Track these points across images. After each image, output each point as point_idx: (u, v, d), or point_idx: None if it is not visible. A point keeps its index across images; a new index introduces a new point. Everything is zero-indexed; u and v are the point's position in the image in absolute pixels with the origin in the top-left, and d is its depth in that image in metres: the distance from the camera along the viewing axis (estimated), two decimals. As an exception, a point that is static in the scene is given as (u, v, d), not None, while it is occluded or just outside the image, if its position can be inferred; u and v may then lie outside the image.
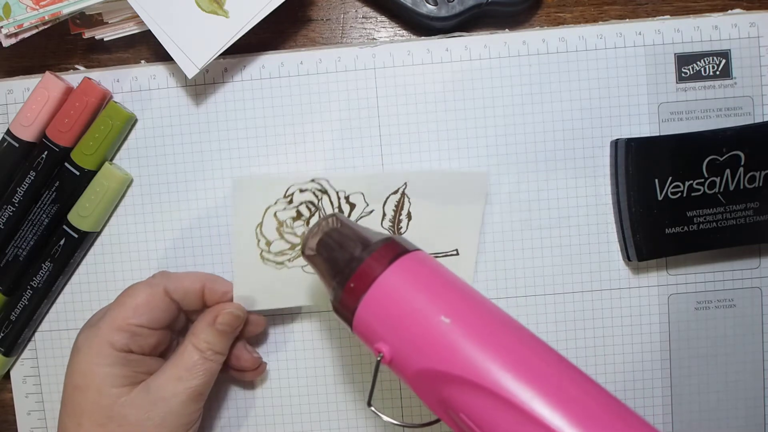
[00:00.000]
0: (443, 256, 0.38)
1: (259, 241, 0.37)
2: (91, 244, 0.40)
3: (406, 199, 0.38)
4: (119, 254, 0.40)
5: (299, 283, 0.38)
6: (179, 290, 0.35)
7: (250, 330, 0.38)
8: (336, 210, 0.37)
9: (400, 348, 0.26)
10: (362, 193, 0.38)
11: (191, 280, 0.36)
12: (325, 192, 0.37)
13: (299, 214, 0.37)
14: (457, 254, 0.39)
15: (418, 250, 0.29)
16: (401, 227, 0.38)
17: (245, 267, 0.37)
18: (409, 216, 0.38)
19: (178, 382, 0.33)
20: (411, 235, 0.38)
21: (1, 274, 0.39)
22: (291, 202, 0.37)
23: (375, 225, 0.38)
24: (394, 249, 0.28)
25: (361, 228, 0.30)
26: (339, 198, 0.38)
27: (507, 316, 0.27)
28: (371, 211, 0.38)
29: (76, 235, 0.38)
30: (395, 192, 0.38)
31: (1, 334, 0.39)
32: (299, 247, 0.37)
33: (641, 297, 0.39)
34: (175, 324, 0.37)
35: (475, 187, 0.38)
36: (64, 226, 0.38)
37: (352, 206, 0.38)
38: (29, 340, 0.40)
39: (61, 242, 0.38)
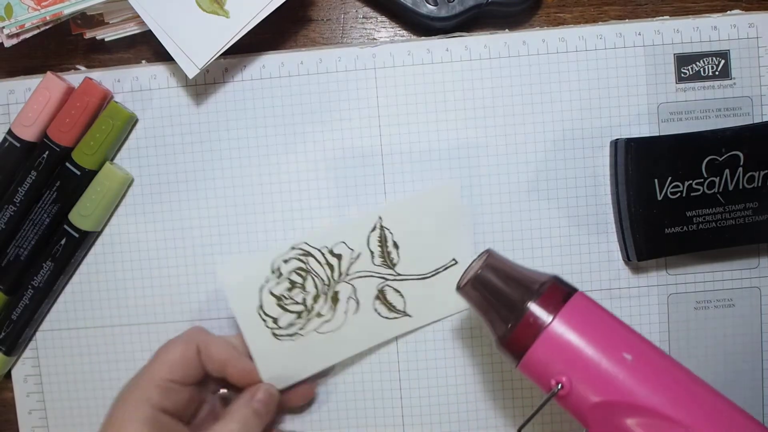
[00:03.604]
0: (444, 269, 0.39)
1: (265, 321, 0.38)
2: (92, 244, 0.40)
3: (386, 232, 0.38)
4: (120, 254, 0.40)
5: (320, 346, 0.38)
6: (205, 352, 0.36)
7: (296, 401, 0.38)
8: (324, 266, 0.38)
9: (579, 382, 0.28)
10: (344, 242, 0.38)
11: (218, 349, 0.36)
12: (308, 254, 0.38)
13: (293, 283, 0.38)
14: (456, 263, 0.39)
15: (578, 289, 0.31)
16: (392, 258, 0.38)
17: (262, 350, 0.37)
18: (395, 246, 0.38)
19: None
20: (406, 261, 0.38)
21: (2, 273, 0.39)
22: (280, 275, 0.38)
23: (368, 265, 0.38)
24: (561, 290, 0.30)
25: (516, 265, 0.32)
26: (324, 254, 0.38)
27: (663, 351, 0.30)
28: (359, 255, 0.38)
29: (76, 235, 0.38)
30: (373, 229, 0.38)
31: (3, 334, 0.39)
32: (305, 313, 0.38)
33: (641, 297, 0.39)
34: (206, 387, 0.37)
35: (448, 199, 0.38)
36: (65, 226, 0.39)
37: (339, 257, 0.38)
38: (30, 340, 0.40)
39: (62, 242, 0.38)
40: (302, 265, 0.38)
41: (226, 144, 0.39)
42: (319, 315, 0.38)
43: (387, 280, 0.38)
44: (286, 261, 0.38)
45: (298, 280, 0.38)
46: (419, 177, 0.39)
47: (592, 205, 0.39)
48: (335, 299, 0.38)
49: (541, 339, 0.29)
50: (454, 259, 0.39)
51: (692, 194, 0.37)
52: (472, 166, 0.39)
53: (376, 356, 0.40)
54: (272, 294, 0.38)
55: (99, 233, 0.40)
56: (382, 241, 0.38)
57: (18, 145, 0.38)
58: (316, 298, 0.38)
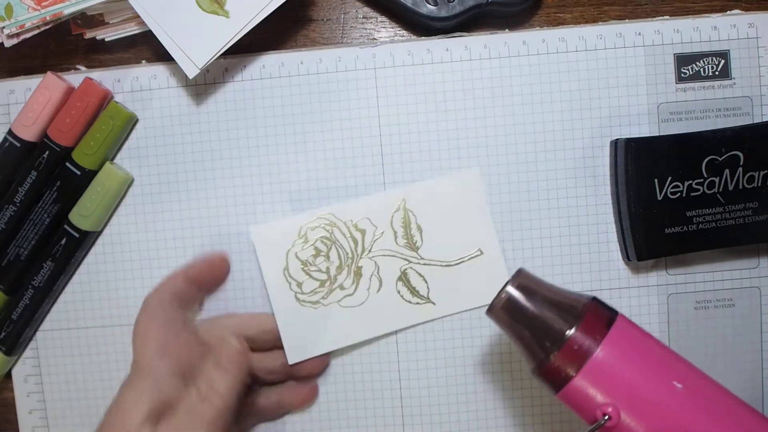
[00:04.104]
0: (469, 258, 0.39)
1: (290, 284, 0.38)
2: (92, 244, 0.40)
3: (410, 214, 0.38)
4: (120, 254, 0.40)
5: (341, 321, 0.39)
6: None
7: (311, 368, 0.39)
8: (348, 238, 0.38)
9: (627, 413, 0.27)
10: (368, 218, 0.38)
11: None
12: (333, 224, 0.38)
13: (318, 251, 0.38)
14: (481, 254, 0.39)
15: (618, 312, 0.30)
16: (416, 240, 0.38)
17: (285, 312, 0.38)
18: (419, 229, 0.38)
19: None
20: (429, 245, 0.39)
21: (2, 273, 0.39)
22: (306, 240, 0.38)
23: (391, 245, 0.39)
24: (603, 314, 0.29)
25: (552, 286, 0.30)
26: (348, 227, 0.38)
27: (709, 377, 0.29)
28: (382, 233, 0.38)
29: (77, 235, 0.38)
30: (397, 209, 0.38)
31: (3, 334, 0.39)
32: (328, 283, 0.38)
33: (641, 296, 0.39)
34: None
35: (471, 186, 0.38)
36: (65, 226, 0.39)
37: (362, 232, 0.38)
38: (30, 340, 0.40)
39: (62, 242, 0.39)
40: (327, 234, 0.38)
41: (226, 144, 0.39)
42: (341, 287, 0.38)
43: (410, 262, 0.39)
44: (313, 228, 0.38)
45: (323, 247, 0.38)
46: (419, 177, 0.39)
47: (592, 205, 0.39)
48: (358, 274, 0.38)
49: (586, 368, 0.27)
50: (479, 250, 0.39)
51: (692, 194, 0.37)
52: (471, 165, 0.39)
53: (377, 356, 0.40)
54: (297, 257, 0.38)
55: (99, 233, 0.40)
56: (406, 222, 0.38)
57: (18, 145, 0.38)
58: (339, 269, 0.38)
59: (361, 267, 0.38)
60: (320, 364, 0.39)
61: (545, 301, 0.29)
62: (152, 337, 0.34)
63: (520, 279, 0.30)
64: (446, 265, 0.39)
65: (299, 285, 0.38)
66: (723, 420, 0.27)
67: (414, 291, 0.39)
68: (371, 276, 0.39)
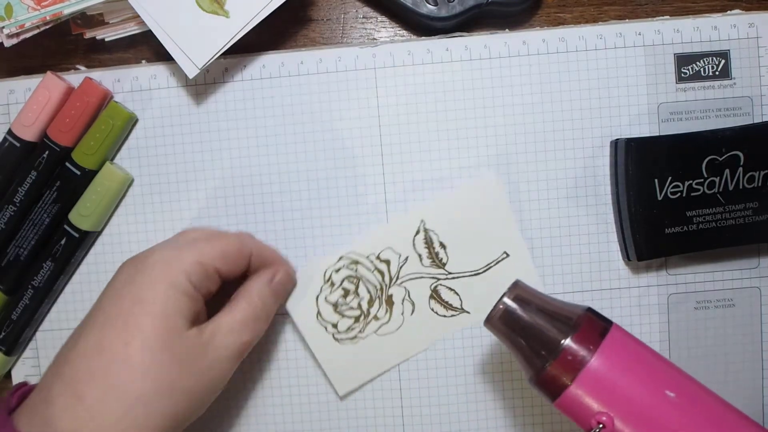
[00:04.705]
0: (495, 263, 0.39)
1: (325, 327, 0.39)
2: (92, 244, 0.40)
3: (431, 234, 0.38)
4: (120, 254, 0.40)
5: (381, 347, 0.39)
6: (258, 260, 0.35)
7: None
8: (374, 272, 0.38)
9: (621, 421, 0.28)
10: (390, 248, 0.39)
11: (272, 255, 0.36)
12: (356, 262, 0.39)
13: (346, 291, 0.39)
14: (508, 256, 0.39)
15: (612, 322, 0.30)
16: (441, 258, 0.39)
17: (326, 354, 0.39)
18: (442, 246, 0.39)
19: (231, 333, 0.32)
20: (455, 259, 0.39)
21: (2, 273, 0.39)
22: (333, 284, 0.38)
23: (417, 268, 0.39)
24: (598, 324, 0.30)
25: (548, 297, 0.31)
26: (372, 261, 0.39)
27: (704, 386, 0.29)
28: (407, 258, 0.39)
29: (77, 235, 0.38)
30: (417, 232, 0.39)
31: (3, 334, 0.39)
32: (363, 317, 0.39)
33: (641, 297, 0.39)
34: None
35: (490, 192, 0.39)
36: (65, 226, 0.39)
37: (387, 262, 0.39)
38: (30, 340, 0.40)
39: (62, 242, 0.38)
40: (352, 273, 0.39)
41: (226, 144, 0.39)
42: (376, 318, 0.39)
43: (439, 279, 0.39)
44: (337, 270, 0.39)
45: (350, 286, 0.39)
46: (419, 177, 0.39)
47: (592, 205, 0.39)
48: (390, 302, 0.39)
49: (581, 377, 0.28)
50: (505, 252, 0.39)
51: (692, 194, 0.37)
52: (471, 166, 0.39)
53: (376, 356, 0.40)
54: (327, 301, 0.38)
55: (99, 233, 0.40)
56: (428, 243, 0.38)
57: (18, 145, 0.38)
58: (371, 303, 0.39)
59: (392, 295, 0.39)
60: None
61: (541, 311, 0.30)
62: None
63: (517, 291, 0.31)
64: (475, 274, 0.39)
65: (335, 326, 0.39)
66: (714, 426, 0.27)
67: (447, 305, 0.39)
68: (403, 301, 0.39)
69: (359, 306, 0.39)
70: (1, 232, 0.38)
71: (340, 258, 0.39)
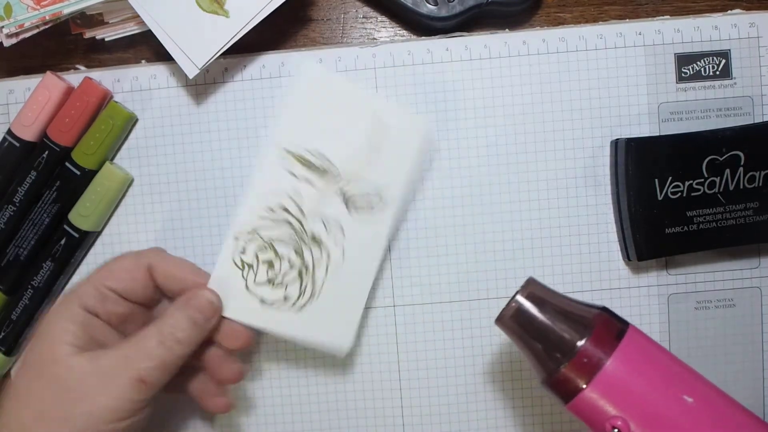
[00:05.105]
0: (374, 132, 0.36)
1: (278, 307, 0.35)
2: (92, 244, 0.40)
3: (299, 152, 0.36)
4: (120, 254, 0.40)
5: (343, 284, 0.36)
6: (160, 271, 0.33)
7: (230, 341, 0.34)
8: (279, 224, 0.35)
9: (637, 426, 0.27)
10: (275, 194, 0.36)
11: (176, 266, 0.34)
12: (254, 231, 0.35)
13: (268, 262, 0.35)
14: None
15: (629, 323, 0.29)
16: (324, 165, 0.36)
17: (300, 328, 0.36)
18: (317, 154, 0.36)
19: (125, 360, 0.30)
20: (339, 154, 0.36)
21: (2, 273, 0.39)
22: (249, 265, 0.35)
23: (312, 192, 0.36)
24: (614, 325, 0.29)
25: (561, 296, 0.30)
26: (269, 218, 0.35)
27: (723, 391, 0.29)
28: (299, 191, 0.35)
29: (76, 235, 0.38)
30: (284, 160, 0.36)
31: (2, 334, 0.39)
32: (303, 270, 0.36)
33: (641, 297, 0.39)
34: (154, 307, 0.35)
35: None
36: (65, 226, 0.39)
37: (285, 209, 0.36)
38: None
39: (62, 242, 0.38)
40: (258, 242, 0.35)
41: (226, 144, 0.39)
42: (317, 264, 0.36)
43: (341, 185, 0.36)
44: (243, 252, 0.35)
45: (269, 255, 0.36)
46: (419, 177, 0.39)
47: (592, 205, 0.39)
48: (316, 240, 0.36)
49: (596, 380, 0.27)
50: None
51: (693, 194, 0.37)
52: (471, 165, 0.39)
53: (377, 356, 0.40)
54: (258, 284, 0.35)
55: (99, 233, 0.40)
56: (303, 161, 0.35)
57: (18, 145, 0.38)
58: (300, 253, 0.36)
59: (314, 232, 0.36)
60: (241, 337, 0.35)
61: (555, 311, 0.29)
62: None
63: (530, 288, 0.30)
64: (364, 159, 0.36)
65: (285, 299, 0.36)
66: (730, 421, 0.27)
67: (367, 204, 0.36)
68: (327, 229, 0.36)
69: (291, 263, 0.36)
70: (0, 232, 0.38)
71: (236, 238, 0.35)
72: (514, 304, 0.30)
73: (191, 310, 0.32)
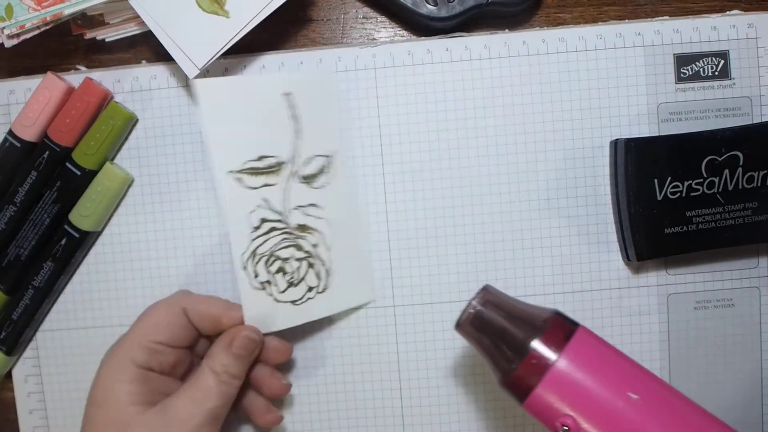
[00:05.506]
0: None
1: (306, 299, 0.38)
2: (92, 244, 0.40)
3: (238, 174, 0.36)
4: (120, 254, 0.40)
5: (349, 246, 0.38)
6: (195, 312, 0.35)
7: (274, 357, 0.37)
8: (273, 234, 0.37)
9: (585, 423, 0.28)
10: (250, 211, 0.36)
11: (208, 305, 0.36)
12: (254, 252, 0.36)
13: (280, 269, 0.37)
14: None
15: (580, 324, 0.30)
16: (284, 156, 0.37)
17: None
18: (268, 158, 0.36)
19: (194, 403, 0.33)
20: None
21: (2, 273, 0.39)
22: (261, 275, 0.37)
23: (279, 195, 0.37)
24: (564, 326, 0.30)
25: (516, 300, 0.32)
26: (259, 233, 0.36)
27: (672, 387, 0.29)
28: (266, 200, 0.36)
29: (77, 235, 0.38)
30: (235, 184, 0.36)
31: (3, 334, 0.39)
32: (308, 256, 0.38)
33: (640, 297, 0.39)
34: (196, 345, 0.37)
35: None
36: (66, 226, 0.39)
37: (263, 220, 0.37)
38: (31, 340, 0.40)
39: (63, 242, 0.39)
40: (262, 260, 0.37)
41: (227, 144, 0.39)
42: (314, 245, 0.38)
43: (296, 169, 0.37)
44: (256, 276, 0.37)
45: (276, 265, 0.37)
46: (419, 177, 0.39)
47: (592, 205, 0.39)
48: (302, 227, 0.38)
49: (546, 378, 0.28)
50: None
51: (692, 194, 0.37)
52: (471, 165, 0.39)
53: (377, 356, 0.40)
54: (282, 292, 0.37)
55: (99, 233, 0.40)
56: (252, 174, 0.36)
57: (18, 145, 0.38)
58: (298, 246, 0.37)
59: (299, 224, 0.37)
60: (285, 351, 0.37)
61: (509, 314, 0.31)
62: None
63: (486, 295, 0.32)
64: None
65: (310, 289, 0.38)
66: (679, 429, 0.27)
67: (317, 173, 0.38)
68: (308, 208, 0.38)
69: (297, 258, 0.38)
70: (1, 232, 0.38)
71: (244, 268, 0.36)
72: (471, 310, 0.31)
73: (236, 350, 0.34)
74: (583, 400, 0.28)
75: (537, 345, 0.29)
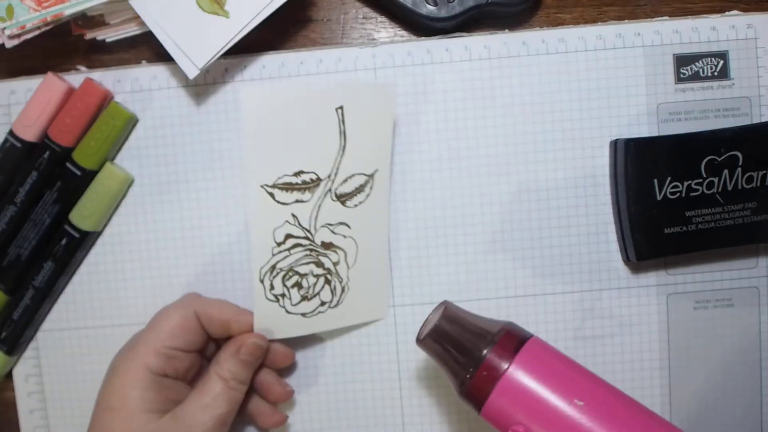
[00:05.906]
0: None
1: (321, 312, 0.38)
2: (93, 244, 0.40)
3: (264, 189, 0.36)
4: (120, 254, 0.40)
5: (368, 263, 0.38)
6: (206, 316, 0.36)
7: (278, 361, 0.38)
8: (293, 251, 0.37)
9: (536, 429, 0.29)
10: (278, 224, 0.36)
11: (219, 309, 0.36)
12: (273, 266, 0.37)
13: (297, 284, 0.37)
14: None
15: (532, 335, 0.32)
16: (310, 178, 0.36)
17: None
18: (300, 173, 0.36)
19: (204, 410, 0.33)
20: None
21: (3, 273, 0.39)
22: (277, 289, 0.37)
23: (306, 209, 0.37)
24: (516, 337, 0.31)
25: (472, 315, 0.33)
26: (279, 250, 0.37)
27: (620, 392, 0.30)
28: (294, 215, 0.36)
29: (77, 235, 0.39)
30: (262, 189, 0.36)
31: (4, 333, 0.39)
32: (327, 273, 0.38)
33: (640, 297, 0.39)
34: (206, 349, 0.37)
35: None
36: (66, 226, 0.39)
37: (289, 236, 0.37)
38: (31, 339, 0.40)
39: (63, 242, 0.39)
40: (281, 274, 0.37)
41: (226, 144, 0.39)
42: (335, 263, 0.38)
43: (330, 189, 0.37)
44: (272, 288, 0.37)
45: (293, 280, 0.37)
46: (419, 177, 0.39)
47: (592, 206, 0.39)
48: (327, 245, 0.38)
49: (498, 387, 0.29)
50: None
51: (691, 194, 0.37)
52: (471, 165, 0.39)
53: (377, 356, 0.40)
54: (294, 305, 0.38)
55: (99, 233, 0.40)
56: (281, 186, 0.36)
57: (19, 145, 0.38)
58: (318, 263, 0.38)
59: (323, 242, 0.37)
60: (287, 357, 0.38)
61: (465, 327, 0.32)
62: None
63: (445, 310, 0.33)
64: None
65: (323, 303, 0.38)
66: (622, 423, 0.29)
67: (353, 192, 0.37)
68: (334, 229, 0.37)
69: (316, 275, 0.38)
70: (2, 232, 0.39)
71: (261, 281, 0.37)
72: (430, 325, 0.33)
73: (244, 356, 0.35)
74: (533, 407, 0.29)
75: (490, 355, 0.30)
